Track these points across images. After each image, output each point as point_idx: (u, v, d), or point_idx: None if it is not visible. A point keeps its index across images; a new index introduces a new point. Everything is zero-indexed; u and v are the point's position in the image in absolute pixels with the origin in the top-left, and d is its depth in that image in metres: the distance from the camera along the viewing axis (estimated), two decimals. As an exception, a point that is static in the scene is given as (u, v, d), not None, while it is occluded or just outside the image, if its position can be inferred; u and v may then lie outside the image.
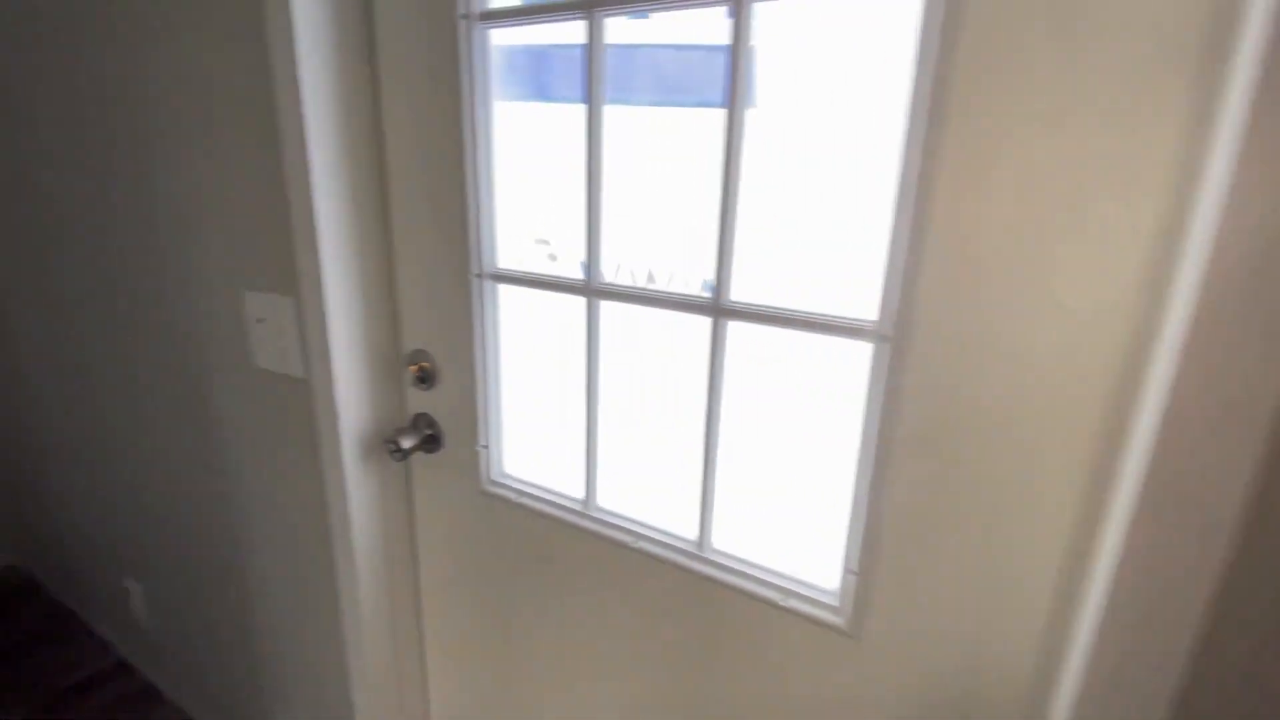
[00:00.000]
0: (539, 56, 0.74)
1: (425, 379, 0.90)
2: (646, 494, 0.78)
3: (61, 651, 1.82)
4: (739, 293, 0.62)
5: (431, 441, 0.93)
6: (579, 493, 0.81)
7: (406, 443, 0.89)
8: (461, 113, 0.73)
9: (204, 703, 1.57)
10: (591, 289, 0.71)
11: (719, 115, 0.62)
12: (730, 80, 0.57)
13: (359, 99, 0.79)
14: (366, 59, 0.78)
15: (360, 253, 0.85)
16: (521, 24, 0.70)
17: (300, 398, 0.93)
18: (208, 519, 1.24)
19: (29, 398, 1.68)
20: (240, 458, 1.09)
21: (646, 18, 0.66)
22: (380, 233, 0.86)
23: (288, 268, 0.86)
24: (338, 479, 0.91)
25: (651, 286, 0.70)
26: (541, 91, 0.75)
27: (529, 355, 0.86)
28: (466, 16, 0.70)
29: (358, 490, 0.92)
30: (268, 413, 0.99)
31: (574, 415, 0.79)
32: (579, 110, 0.73)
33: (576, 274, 0.77)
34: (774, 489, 0.73)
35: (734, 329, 0.64)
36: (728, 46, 0.57)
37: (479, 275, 0.80)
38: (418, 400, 0.93)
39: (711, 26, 0.62)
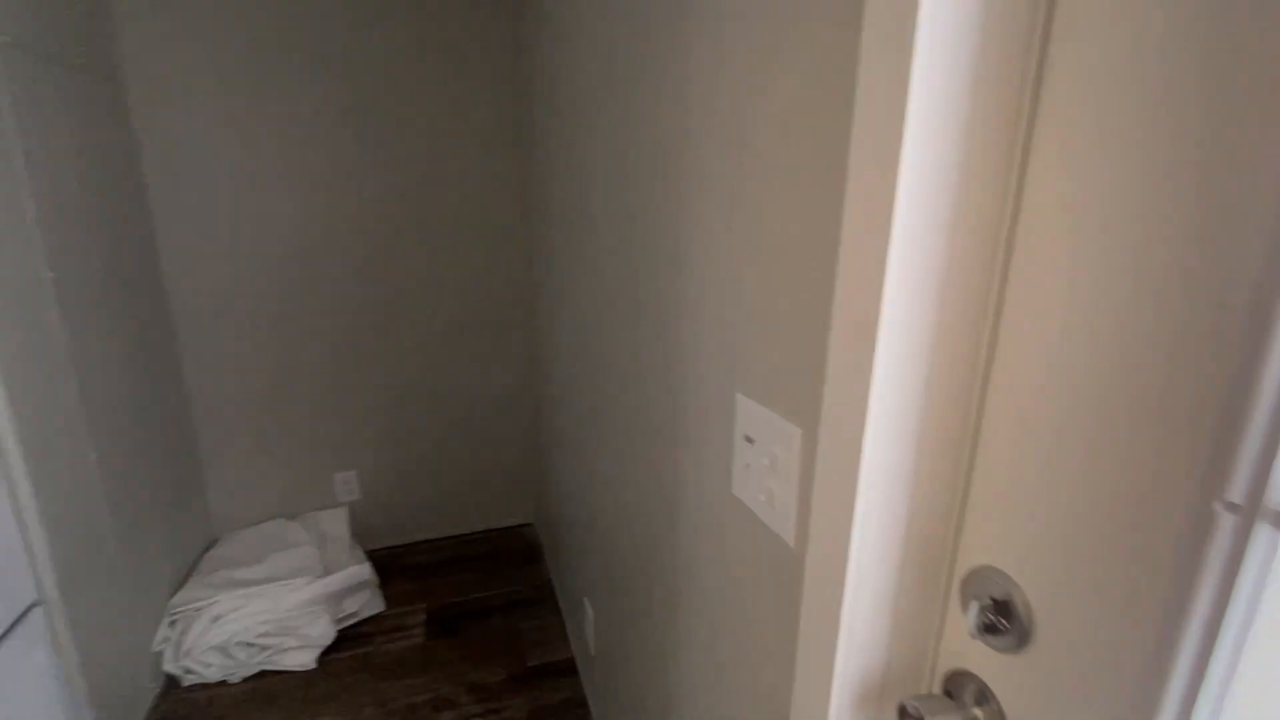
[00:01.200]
0: None
1: (998, 628, 0.47)
2: None
3: (537, 626, 2.08)
4: None
5: (983, 736, 0.50)
6: None
7: (941, 733, 0.48)
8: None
9: (617, 761, 1.51)
10: None
11: None
12: None
13: (1000, 131, 0.41)
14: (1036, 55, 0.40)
15: (932, 383, 0.47)
16: None
17: (778, 567, 0.62)
18: (656, 601, 1.09)
19: (562, 413, 1.93)
20: (694, 573, 0.87)
21: None
22: (978, 353, 0.47)
23: (803, 380, 0.56)
24: (808, 720, 0.57)
25: None
26: None
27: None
28: None
29: (834, 748, 0.56)
30: (729, 553, 0.73)
31: None
32: None
33: None
34: None
35: None
36: None
37: (1233, 507, 0.33)
38: (962, 649, 0.51)
39: None
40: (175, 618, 1.82)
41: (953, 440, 0.49)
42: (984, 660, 0.50)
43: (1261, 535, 0.33)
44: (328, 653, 1.92)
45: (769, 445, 0.61)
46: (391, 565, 2.36)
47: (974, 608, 0.49)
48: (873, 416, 0.47)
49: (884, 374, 0.46)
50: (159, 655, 1.78)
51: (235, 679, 1.81)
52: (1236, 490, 0.33)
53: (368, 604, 2.10)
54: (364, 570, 2.09)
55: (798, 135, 0.53)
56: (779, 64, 0.55)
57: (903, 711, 0.50)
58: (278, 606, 1.86)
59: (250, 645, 1.83)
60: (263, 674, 1.84)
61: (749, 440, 0.65)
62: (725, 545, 0.74)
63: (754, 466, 0.64)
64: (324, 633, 1.91)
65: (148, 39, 1.87)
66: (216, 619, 1.81)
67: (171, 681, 1.81)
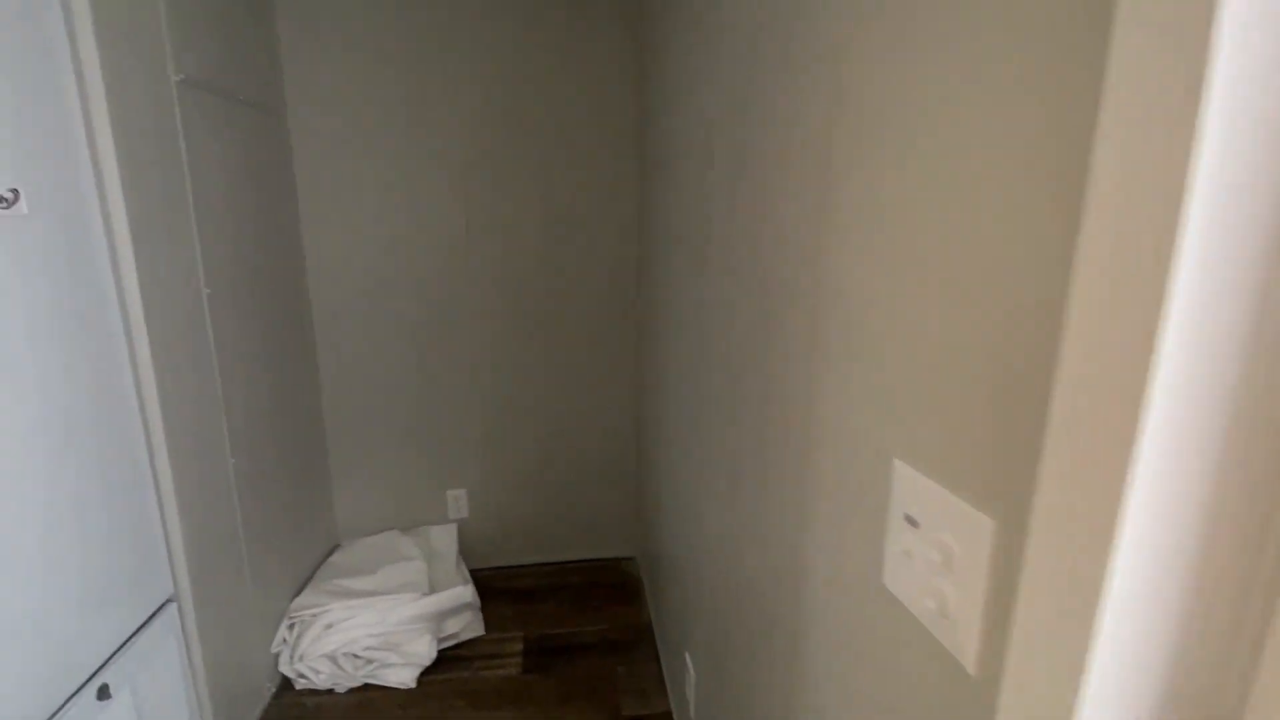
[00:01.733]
0: None
1: None
2: None
3: (634, 673, 1.96)
4: None
5: None
6: None
7: None
8: None
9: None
10: None
11: None
12: None
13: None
14: None
15: (1226, 467, 0.31)
16: None
17: (950, 696, 0.47)
18: (773, 689, 0.94)
19: (667, 447, 1.83)
20: (824, 673, 0.72)
21: None
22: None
23: (998, 452, 0.41)
24: None
25: None
26: None
27: None
28: None
29: None
30: (876, 662, 0.57)
31: None
32: None
33: None
34: None
35: None
36: None
37: None
38: None
39: None
40: (293, 621, 1.89)
41: (1251, 559, 0.33)
42: None
43: None
44: (427, 672, 1.91)
45: (940, 533, 0.46)
46: (492, 587, 2.35)
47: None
48: (1131, 517, 0.32)
49: (1156, 449, 0.31)
50: (276, 656, 1.86)
51: (341, 689, 1.85)
52: None
53: (469, 626, 2.09)
54: (468, 591, 2.09)
55: (1008, 110, 0.40)
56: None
57: None
58: (384, 620, 1.89)
59: (357, 657, 1.86)
60: (366, 686, 1.87)
61: (911, 522, 0.50)
62: (870, 650, 0.59)
63: (917, 557, 0.49)
64: (426, 652, 1.91)
65: (307, 74, 2.03)
66: (329, 627, 1.86)
67: (286, 683, 1.87)
